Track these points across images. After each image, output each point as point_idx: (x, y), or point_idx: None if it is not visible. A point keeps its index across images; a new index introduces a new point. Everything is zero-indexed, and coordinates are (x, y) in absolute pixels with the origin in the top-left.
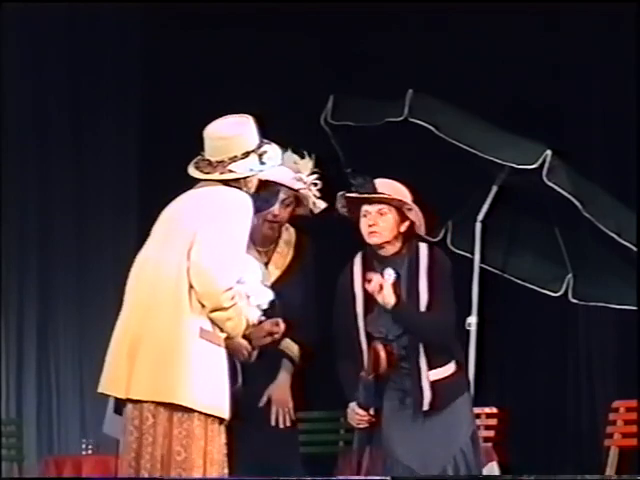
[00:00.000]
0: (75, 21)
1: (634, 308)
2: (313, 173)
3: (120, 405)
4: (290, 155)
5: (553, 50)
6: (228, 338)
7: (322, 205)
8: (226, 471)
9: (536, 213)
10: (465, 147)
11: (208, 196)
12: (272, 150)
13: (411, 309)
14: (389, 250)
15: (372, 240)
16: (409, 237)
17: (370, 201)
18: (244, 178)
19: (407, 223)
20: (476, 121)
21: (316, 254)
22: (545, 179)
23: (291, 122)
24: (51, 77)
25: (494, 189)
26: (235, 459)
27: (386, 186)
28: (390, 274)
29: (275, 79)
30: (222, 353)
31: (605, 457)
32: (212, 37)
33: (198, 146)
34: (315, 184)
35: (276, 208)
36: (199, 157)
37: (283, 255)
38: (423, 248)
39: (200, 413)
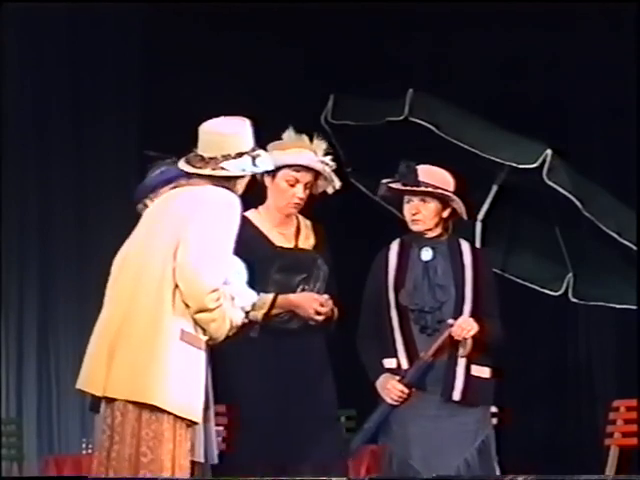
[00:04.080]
0: (76, 20)
1: (634, 307)
2: (327, 154)
3: (96, 403)
4: (301, 137)
5: (553, 50)
6: (210, 340)
7: (338, 184)
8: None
9: (536, 212)
10: (465, 146)
11: (195, 195)
12: (265, 156)
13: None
14: (430, 234)
15: (415, 227)
16: (450, 222)
17: (413, 191)
18: (235, 178)
19: (449, 210)
20: (476, 120)
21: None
22: (545, 179)
23: (291, 121)
24: (52, 76)
25: (494, 188)
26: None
27: (429, 174)
28: (428, 250)
29: (275, 78)
30: (201, 356)
31: (605, 456)
32: (212, 36)
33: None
34: (328, 164)
35: (300, 190)
36: (192, 153)
37: (307, 237)
38: (466, 246)
39: (169, 415)
